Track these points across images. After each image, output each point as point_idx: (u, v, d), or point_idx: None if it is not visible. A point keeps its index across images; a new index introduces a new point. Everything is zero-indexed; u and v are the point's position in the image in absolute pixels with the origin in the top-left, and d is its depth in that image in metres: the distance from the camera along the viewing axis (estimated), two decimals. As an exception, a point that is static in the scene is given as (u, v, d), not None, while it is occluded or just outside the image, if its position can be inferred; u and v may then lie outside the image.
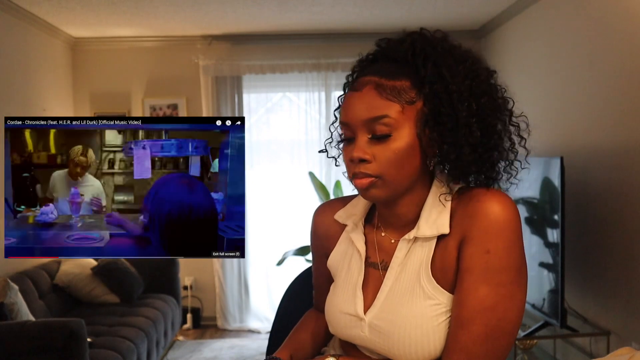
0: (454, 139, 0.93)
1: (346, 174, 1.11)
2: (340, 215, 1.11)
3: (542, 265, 2.85)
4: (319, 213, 1.18)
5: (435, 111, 0.93)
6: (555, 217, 2.70)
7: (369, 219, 1.10)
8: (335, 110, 1.09)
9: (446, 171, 0.97)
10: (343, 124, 0.98)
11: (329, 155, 1.12)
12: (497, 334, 0.90)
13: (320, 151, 1.13)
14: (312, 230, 1.19)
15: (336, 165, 1.12)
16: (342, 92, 1.07)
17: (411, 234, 0.98)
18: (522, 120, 1.01)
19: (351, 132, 0.97)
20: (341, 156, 1.10)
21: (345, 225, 1.11)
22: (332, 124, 1.10)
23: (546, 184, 2.81)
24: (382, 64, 0.98)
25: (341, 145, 1.09)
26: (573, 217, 2.86)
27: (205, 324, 4.62)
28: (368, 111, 0.93)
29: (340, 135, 1.09)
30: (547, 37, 3.35)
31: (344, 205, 1.13)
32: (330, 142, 1.10)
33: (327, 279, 1.15)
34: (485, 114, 0.95)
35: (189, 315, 4.52)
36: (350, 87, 0.99)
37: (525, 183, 2.98)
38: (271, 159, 4.61)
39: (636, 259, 2.50)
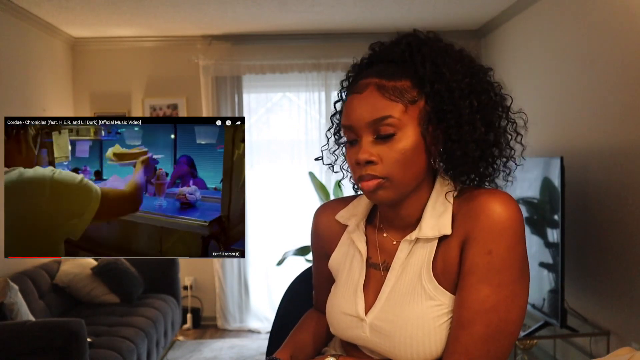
0: (459, 135, 0.93)
1: (344, 180, 1.11)
2: (341, 216, 1.11)
3: (542, 265, 2.85)
4: (320, 213, 1.18)
5: (437, 109, 0.93)
6: (555, 217, 2.70)
7: (370, 220, 1.09)
8: (332, 117, 1.08)
9: (450, 170, 0.97)
10: (346, 127, 0.98)
11: (325, 163, 1.11)
12: (498, 335, 0.90)
13: (316, 159, 1.13)
14: (313, 231, 1.18)
15: (334, 172, 1.12)
16: (338, 97, 1.07)
17: (413, 235, 0.98)
18: (520, 117, 1.01)
19: (355, 135, 0.96)
20: (337, 162, 1.10)
21: (346, 226, 1.11)
22: (329, 129, 1.09)
23: (546, 184, 2.81)
24: (381, 65, 0.98)
25: (338, 152, 1.09)
26: (573, 217, 2.86)
27: (205, 324, 4.62)
28: (371, 112, 0.93)
29: (336, 140, 1.09)
30: (547, 37, 3.35)
31: (345, 205, 1.13)
32: (328, 149, 1.10)
33: (327, 279, 1.15)
34: (486, 110, 0.95)
35: (189, 315, 4.52)
36: (351, 90, 0.99)
37: (525, 183, 2.99)
38: (271, 159, 4.61)
39: (636, 259, 2.50)
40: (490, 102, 0.96)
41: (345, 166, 1.10)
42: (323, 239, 1.16)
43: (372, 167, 0.94)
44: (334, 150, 1.10)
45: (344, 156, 1.08)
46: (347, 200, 1.14)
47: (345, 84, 1.04)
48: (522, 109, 1.01)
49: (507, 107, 0.99)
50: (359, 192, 1.13)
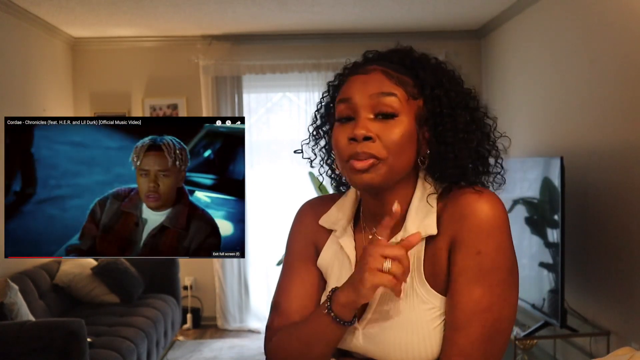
0: (454, 139, 0.93)
1: (322, 171, 1.07)
2: (326, 221, 1.06)
3: (542, 265, 2.85)
4: (305, 213, 1.10)
5: (435, 112, 0.94)
6: (555, 217, 2.70)
7: (355, 222, 1.05)
8: (316, 112, 1.06)
9: (437, 173, 0.96)
10: (343, 101, 0.95)
11: (304, 156, 1.08)
12: (494, 334, 0.90)
13: (295, 151, 1.10)
14: (298, 230, 1.09)
15: (311, 167, 1.08)
16: (326, 93, 1.05)
17: (398, 237, 0.95)
18: (501, 143, 1.00)
19: (351, 111, 0.94)
20: (315, 161, 1.07)
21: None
22: (312, 124, 1.07)
23: (546, 184, 2.81)
24: (382, 61, 0.98)
25: (317, 151, 1.07)
26: (573, 217, 2.86)
27: (205, 324, 4.62)
28: (377, 87, 0.93)
29: (322, 119, 1.05)
30: (547, 37, 3.35)
31: (328, 204, 1.08)
32: (308, 143, 1.08)
33: (311, 287, 1.06)
34: (479, 125, 0.97)
35: (189, 315, 4.52)
36: (354, 72, 0.98)
37: (525, 183, 2.99)
38: (271, 159, 4.61)
39: (636, 259, 2.50)
40: (482, 120, 0.98)
41: (329, 160, 1.07)
42: (310, 239, 1.07)
43: (367, 144, 0.91)
44: (313, 147, 1.07)
45: (326, 152, 1.07)
46: (331, 199, 1.09)
47: (337, 81, 1.03)
48: (505, 133, 1.00)
49: (493, 128, 0.99)
50: (341, 189, 1.10)
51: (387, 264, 0.85)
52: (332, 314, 0.91)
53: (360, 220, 1.04)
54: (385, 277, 0.85)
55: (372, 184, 0.93)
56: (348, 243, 1.02)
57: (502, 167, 0.99)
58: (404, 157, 0.93)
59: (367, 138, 0.91)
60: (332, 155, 1.05)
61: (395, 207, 0.88)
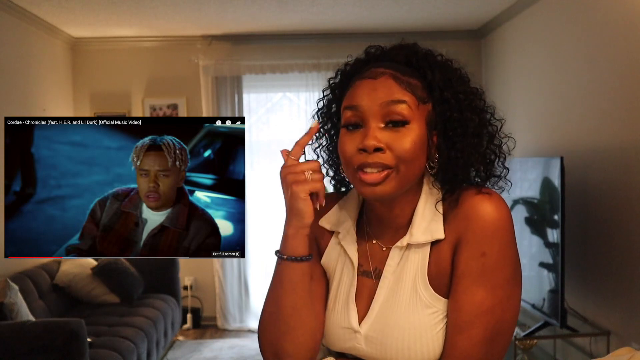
0: (464, 144, 0.92)
1: (323, 171, 1.03)
2: (326, 222, 1.04)
3: (542, 265, 2.85)
4: None
5: (444, 116, 0.92)
6: (555, 217, 2.70)
7: (357, 226, 1.04)
8: (318, 111, 1.04)
9: (445, 177, 0.95)
10: (350, 108, 0.92)
11: (306, 159, 1.04)
12: (496, 336, 0.90)
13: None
14: None
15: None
16: (328, 92, 1.02)
17: (404, 241, 0.95)
18: (506, 144, 0.99)
19: (359, 119, 0.92)
20: (318, 160, 1.04)
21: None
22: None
23: (546, 184, 2.81)
24: (388, 62, 0.96)
25: (319, 151, 1.04)
26: (573, 217, 2.86)
27: (205, 324, 4.62)
28: (387, 95, 0.90)
29: (324, 117, 1.03)
30: (547, 37, 3.35)
31: (333, 202, 1.06)
32: (310, 145, 1.03)
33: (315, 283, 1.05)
34: (487, 128, 0.95)
35: (189, 315, 4.52)
36: (361, 76, 0.95)
37: (525, 183, 2.99)
38: (271, 159, 4.62)
39: (636, 259, 2.50)
40: (489, 122, 0.96)
41: (331, 160, 1.05)
42: (312, 234, 1.03)
43: (378, 155, 0.89)
44: (315, 149, 1.06)
45: (328, 152, 1.04)
46: (332, 198, 1.07)
47: (336, 79, 1.01)
48: (510, 134, 0.99)
49: (499, 128, 0.98)
50: (342, 189, 1.09)
51: (309, 175, 0.92)
52: (286, 256, 0.97)
53: (362, 224, 1.03)
54: (315, 184, 0.92)
55: (384, 197, 0.92)
56: (351, 246, 1.01)
57: (508, 170, 0.98)
58: (415, 165, 0.92)
59: (377, 149, 0.89)
60: (335, 155, 1.04)
61: (314, 123, 0.97)
